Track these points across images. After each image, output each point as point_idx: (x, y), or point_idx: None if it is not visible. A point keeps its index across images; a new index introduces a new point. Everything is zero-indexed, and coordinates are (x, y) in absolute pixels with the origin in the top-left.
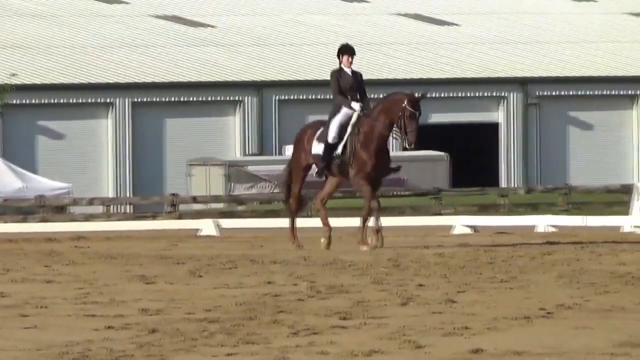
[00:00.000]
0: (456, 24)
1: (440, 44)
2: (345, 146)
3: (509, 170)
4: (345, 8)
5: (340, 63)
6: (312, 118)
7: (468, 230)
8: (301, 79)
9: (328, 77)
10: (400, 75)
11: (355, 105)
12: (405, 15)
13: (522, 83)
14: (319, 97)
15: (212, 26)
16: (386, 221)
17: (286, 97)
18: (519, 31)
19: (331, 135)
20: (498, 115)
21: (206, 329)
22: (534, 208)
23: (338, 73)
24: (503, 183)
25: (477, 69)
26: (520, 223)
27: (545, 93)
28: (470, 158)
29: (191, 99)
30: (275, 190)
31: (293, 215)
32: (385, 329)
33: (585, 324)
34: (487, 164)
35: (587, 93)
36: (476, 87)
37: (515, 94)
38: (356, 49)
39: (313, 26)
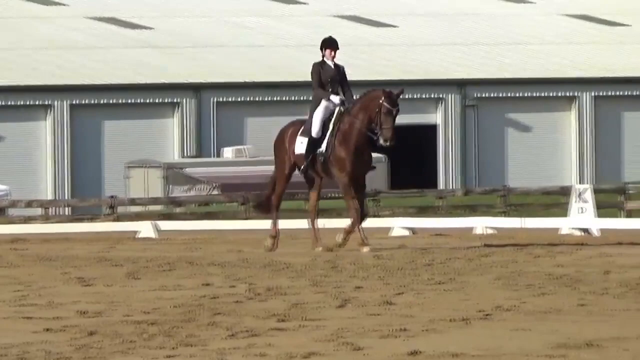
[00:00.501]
0: (394, 26)
1: (378, 45)
2: (327, 144)
3: (447, 172)
4: (283, 10)
5: (322, 56)
6: (250, 120)
7: (406, 232)
8: (239, 81)
9: (266, 79)
10: None
11: (335, 98)
12: (343, 16)
13: (460, 85)
14: (257, 99)
15: (150, 28)
16: (323, 223)
17: (224, 99)
18: (456, 33)
19: (315, 130)
20: (436, 117)
21: (145, 331)
22: (472, 210)
23: (320, 66)
24: (441, 185)
25: (415, 70)
26: (458, 225)
27: (483, 95)
28: (409, 160)
29: (129, 101)
30: (213, 192)
31: (275, 213)
32: (323, 331)
33: (523, 325)
34: (425, 166)
35: (525, 95)
36: (414, 89)
37: (453, 95)
38: (294, 50)
39: (251, 28)
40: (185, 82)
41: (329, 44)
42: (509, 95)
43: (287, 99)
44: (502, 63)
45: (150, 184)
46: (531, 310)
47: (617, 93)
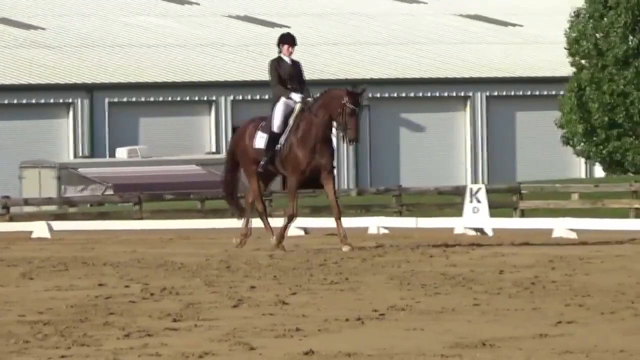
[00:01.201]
0: (286, 26)
1: (271, 45)
2: (285, 141)
3: (341, 172)
4: (176, 9)
5: (279, 52)
6: (143, 120)
7: (300, 232)
8: (132, 81)
9: (159, 79)
10: (230, 77)
11: (295, 96)
12: (236, 17)
13: (352, 85)
14: (150, 99)
15: (42, 28)
16: (217, 223)
17: (117, 100)
18: (349, 32)
19: (276, 124)
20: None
21: (39, 331)
22: (366, 210)
23: (277, 62)
24: (335, 185)
25: (307, 70)
26: (352, 225)
27: (377, 95)
28: None
29: (22, 101)
30: (107, 192)
31: (263, 215)
32: (217, 331)
33: (417, 325)
34: None
35: (419, 95)
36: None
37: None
38: (188, 50)
39: (144, 28)
40: (79, 82)
41: (286, 39)
42: (402, 95)
43: (181, 99)
44: (395, 63)
45: (44, 184)
46: (425, 310)
47: (510, 93)
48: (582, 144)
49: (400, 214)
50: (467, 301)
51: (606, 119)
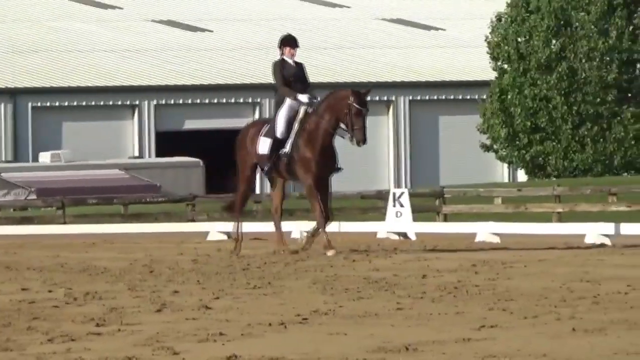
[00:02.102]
0: (210, 30)
1: (195, 50)
2: (291, 145)
3: (263, 176)
4: (100, 14)
5: (281, 54)
6: (67, 125)
7: (223, 237)
8: (55, 85)
9: (83, 84)
10: (153, 82)
11: (303, 97)
12: (160, 22)
13: (275, 89)
14: (73, 103)
15: None
16: (140, 228)
17: (40, 104)
18: (272, 37)
19: (279, 130)
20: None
21: None
22: (289, 214)
23: (281, 64)
24: (258, 189)
25: (231, 74)
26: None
27: None
28: (225, 164)
29: None
30: (30, 197)
31: (238, 215)
32: (140, 336)
33: (340, 329)
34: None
35: None
36: (230, 93)
37: (269, 100)
38: (111, 55)
39: (67, 32)
40: (1, 86)
41: (288, 41)
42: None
43: (104, 103)
44: (320, 67)
45: None
46: (348, 314)
47: (434, 97)
48: (504, 148)
49: None
50: (390, 305)
51: (528, 123)
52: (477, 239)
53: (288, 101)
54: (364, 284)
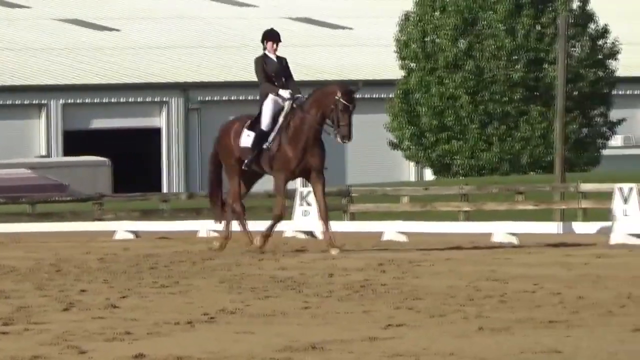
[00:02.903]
0: (117, 29)
1: (101, 49)
2: (274, 138)
3: (171, 175)
4: (6, 13)
5: (264, 49)
6: None
7: (130, 236)
8: None
9: None
10: (61, 81)
11: (284, 93)
12: (67, 21)
13: (183, 88)
14: None
15: None
16: (47, 227)
17: None
18: (179, 36)
19: (265, 122)
20: (160, 121)
21: None
22: (196, 213)
23: (263, 60)
24: (165, 188)
25: (138, 74)
26: (183, 228)
27: (207, 98)
28: (132, 163)
29: None
30: None
31: (242, 217)
32: (48, 335)
33: (247, 328)
34: (149, 170)
35: (249, 98)
36: (137, 93)
37: (176, 99)
38: (18, 54)
39: None
40: None
41: (270, 36)
42: (232, 98)
43: (12, 102)
44: (226, 66)
45: None
46: (255, 313)
47: None
48: (411, 147)
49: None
50: (297, 304)
51: (435, 122)
52: (384, 238)
53: (271, 96)
54: (271, 283)
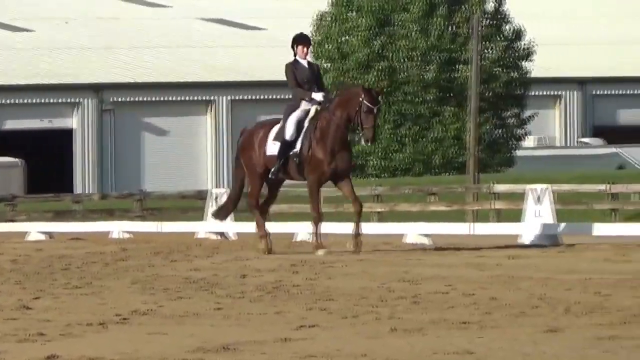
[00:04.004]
0: (30, 30)
1: (16, 49)
2: (302, 143)
3: (84, 176)
4: None
5: (295, 54)
6: None
7: (43, 237)
8: None
9: None
10: None
11: (317, 95)
12: None
13: (96, 89)
14: None
15: None
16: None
17: None
18: (93, 37)
19: (288, 133)
20: (72, 122)
21: None
22: (108, 214)
23: (293, 65)
24: (78, 189)
25: (51, 74)
26: (95, 229)
27: (120, 99)
28: (45, 164)
29: None
30: None
31: (259, 214)
32: None
33: (160, 329)
34: (62, 171)
35: (162, 99)
36: (50, 93)
37: (89, 100)
38: None
39: None
40: None
41: (301, 40)
42: (145, 99)
43: None
44: (140, 67)
45: None
46: (168, 314)
47: (255, 96)
48: None
49: (143, 218)
50: (210, 305)
51: None
52: (298, 239)
53: (302, 104)
54: (184, 284)
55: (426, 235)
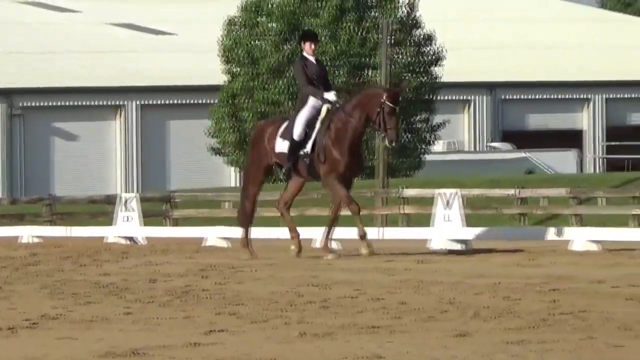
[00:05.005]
0: None
1: None
2: (314, 144)
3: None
4: None
5: (302, 51)
6: None
7: None
8: None
9: None
10: None
11: (330, 95)
12: None
13: (5, 94)
14: None
15: None
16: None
17: None
18: (1, 41)
19: (297, 132)
20: None
21: None
22: (18, 219)
23: (303, 62)
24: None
25: None
26: (4, 234)
27: (29, 104)
28: None
29: None
30: None
31: (248, 221)
32: None
33: (69, 334)
34: None
35: (72, 104)
36: None
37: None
38: None
39: None
40: None
41: (308, 36)
42: (54, 104)
43: None
44: (50, 72)
45: None
46: (77, 319)
47: (164, 101)
48: (234, 153)
49: (52, 222)
50: (119, 310)
51: None
52: (207, 244)
53: (311, 101)
54: (94, 289)
55: (336, 240)
